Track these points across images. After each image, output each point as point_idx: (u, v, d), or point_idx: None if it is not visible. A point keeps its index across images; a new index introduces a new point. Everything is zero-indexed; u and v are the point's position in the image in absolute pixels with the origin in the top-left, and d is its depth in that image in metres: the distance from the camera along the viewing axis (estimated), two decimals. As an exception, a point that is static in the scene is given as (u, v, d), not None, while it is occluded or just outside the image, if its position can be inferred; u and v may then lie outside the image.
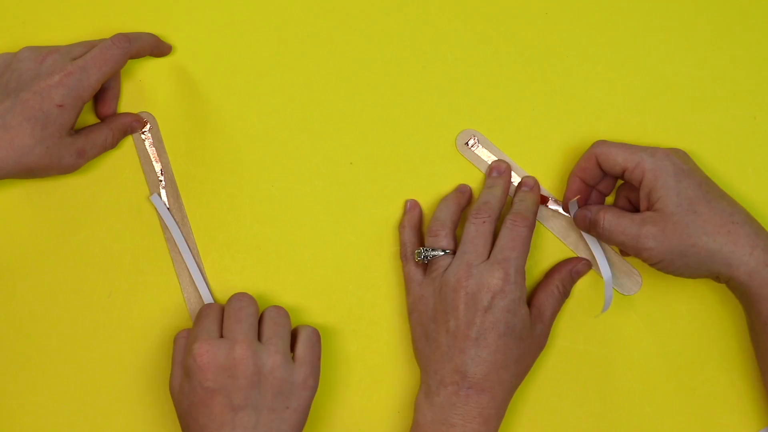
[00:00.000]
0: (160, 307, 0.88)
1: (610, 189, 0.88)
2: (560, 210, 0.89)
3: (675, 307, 0.89)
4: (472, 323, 0.81)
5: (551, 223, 0.89)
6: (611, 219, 0.83)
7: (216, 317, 0.84)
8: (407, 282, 0.87)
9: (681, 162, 0.82)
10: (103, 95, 0.88)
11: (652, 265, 0.82)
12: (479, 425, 0.81)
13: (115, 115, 0.89)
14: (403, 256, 0.88)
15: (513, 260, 0.82)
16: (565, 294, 0.87)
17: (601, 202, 0.88)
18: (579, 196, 0.86)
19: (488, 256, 0.83)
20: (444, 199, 0.88)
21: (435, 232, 0.86)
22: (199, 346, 0.80)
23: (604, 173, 0.86)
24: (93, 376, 0.88)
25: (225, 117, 0.89)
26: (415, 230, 0.88)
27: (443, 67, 0.90)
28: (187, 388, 0.81)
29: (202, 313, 0.84)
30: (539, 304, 0.85)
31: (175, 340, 0.85)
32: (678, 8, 0.90)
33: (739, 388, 0.88)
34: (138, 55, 0.87)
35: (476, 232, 0.84)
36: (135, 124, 0.89)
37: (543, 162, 0.89)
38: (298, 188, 0.89)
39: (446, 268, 0.83)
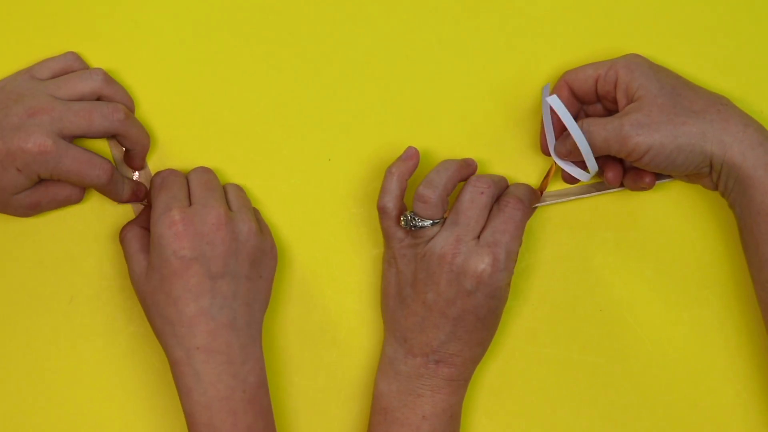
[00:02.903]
0: (125, 314, 0.87)
1: None
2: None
3: (676, 314, 0.88)
4: (452, 303, 0.80)
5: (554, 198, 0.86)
6: (591, 120, 0.81)
7: (182, 185, 0.83)
8: (387, 237, 0.84)
9: (651, 61, 0.82)
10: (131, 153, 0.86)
11: (641, 159, 0.79)
12: (447, 395, 0.82)
13: None
14: (382, 208, 0.83)
15: (504, 244, 0.80)
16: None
17: None
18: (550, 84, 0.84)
19: (480, 233, 0.81)
20: (444, 162, 0.84)
21: (425, 198, 0.82)
22: (175, 214, 0.79)
23: (579, 101, 0.84)
24: (53, 386, 0.86)
25: (197, 111, 0.88)
26: (402, 181, 0.84)
27: (428, 58, 0.88)
28: (157, 262, 0.79)
29: (165, 181, 0.83)
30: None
31: (124, 235, 0.83)
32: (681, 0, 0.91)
33: (744, 399, 0.87)
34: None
35: (471, 202, 0.81)
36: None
37: (538, 156, 0.87)
38: (273, 186, 0.88)
39: (433, 237, 0.81)
